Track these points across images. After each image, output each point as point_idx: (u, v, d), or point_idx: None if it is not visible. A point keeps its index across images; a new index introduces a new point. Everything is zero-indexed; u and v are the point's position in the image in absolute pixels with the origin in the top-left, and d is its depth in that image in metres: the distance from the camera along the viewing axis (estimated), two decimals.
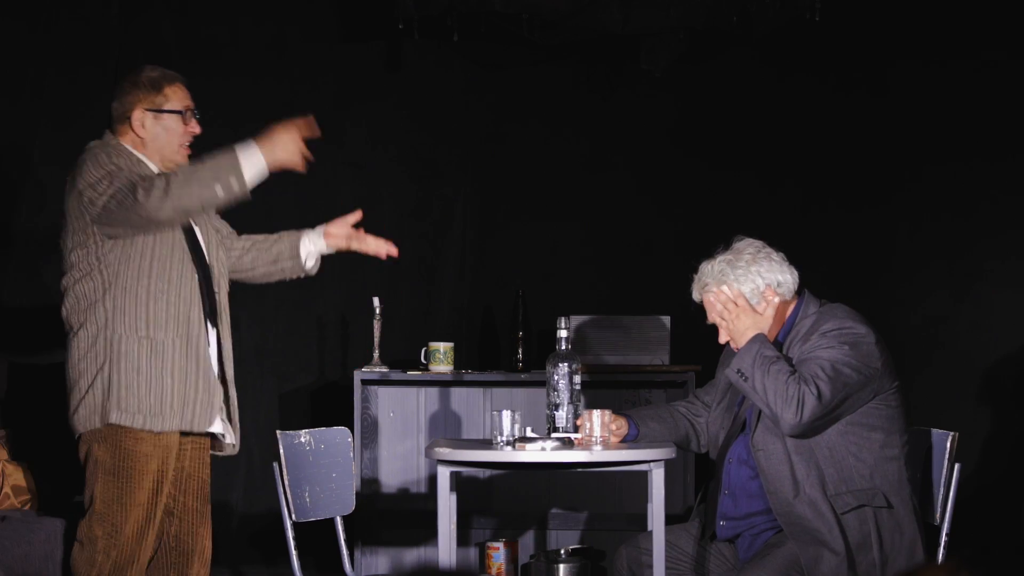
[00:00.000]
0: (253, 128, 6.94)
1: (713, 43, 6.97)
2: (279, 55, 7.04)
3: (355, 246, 4.85)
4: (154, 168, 4.59)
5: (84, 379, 4.44)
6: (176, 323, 4.47)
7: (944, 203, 6.87)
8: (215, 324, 4.60)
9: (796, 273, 4.56)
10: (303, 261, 4.82)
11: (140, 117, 4.58)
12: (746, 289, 4.51)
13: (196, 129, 4.69)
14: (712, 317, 4.58)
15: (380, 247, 4.84)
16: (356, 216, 4.82)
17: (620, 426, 4.71)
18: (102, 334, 4.42)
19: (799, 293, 4.59)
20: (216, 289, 4.65)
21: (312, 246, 4.83)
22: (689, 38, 6.78)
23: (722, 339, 4.58)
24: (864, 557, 4.34)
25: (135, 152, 4.57)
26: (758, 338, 4.43)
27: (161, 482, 4.48)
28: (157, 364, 4.42)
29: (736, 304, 4.51)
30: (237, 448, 4.68)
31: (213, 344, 4.59)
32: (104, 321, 4.42)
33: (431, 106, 7.18)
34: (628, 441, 4.72)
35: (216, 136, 6.90)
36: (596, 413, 4.59)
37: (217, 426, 4.58)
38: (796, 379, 4.32)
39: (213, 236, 4.75)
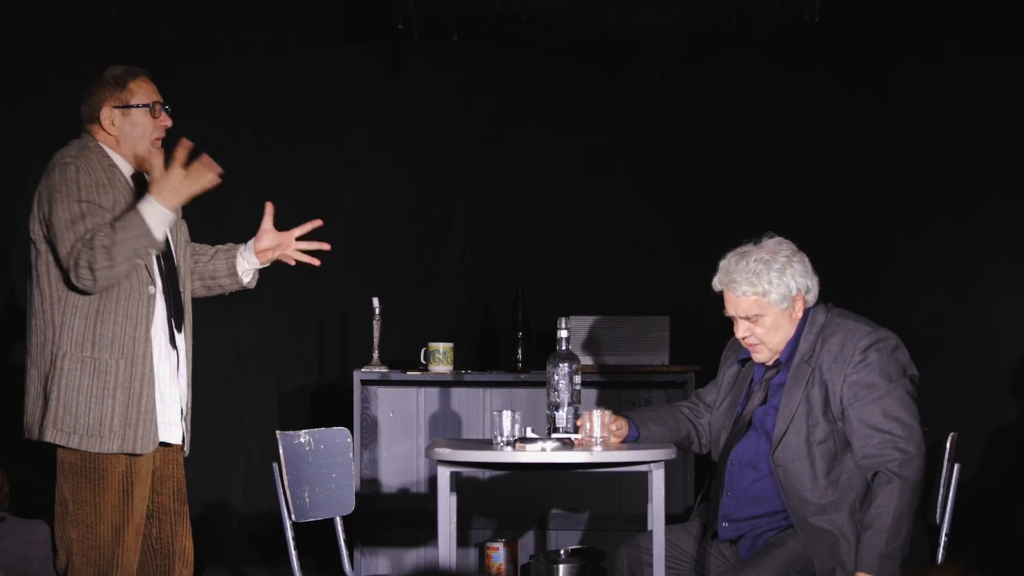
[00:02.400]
0: (252, 128, 7.00)
1: (713, 43, 6.97)
2: (279, 55, 7.04)
3: (287, 255, 4.77)
4: (127, 169, 4.57)
5: (33, 386, 4.41)
6: (120, 343, 4.39)
7: (944, 203, 6.87)
8: (180, 328, 4.54)
9: (817, 279, 4.54)
10: (240, 278, 4.76)
11: (108, 115, 4.57)
12: (778, 294, 4.46)
13: (167, 122, 4.64)
14: (730, 311, 4.54)
15: (312, 246, 4.79)
16: (269, 219, 4.77)
17: (620, 427, 4.70)
18: (49, 346, 4.38)
19: None
20: (182, 289, 4.60)
21: (247, 263, 4.76)
22: (689, 38, 6.78)
23: (741, 334, 4.55)
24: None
25: (108, 151, 4.55)
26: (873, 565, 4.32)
27: (132, 482, 4.39)
28: (99, 384, 4.35)
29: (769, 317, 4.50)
30: (187, 452, 4.58)
31: (180, 350, 4.53)
32: (52, 334, 4.38)
33: (431, 106, 7.18)
34: (628, 442, 4.72)
35: (216, 136, 6.94)
36: (596, 413, 4.58)
37: (171, 437, 4.49)
38: (877, 473, 4.32)
39: (181, 237, 4.72)
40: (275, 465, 4.73)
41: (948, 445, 4.50)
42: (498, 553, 6.39)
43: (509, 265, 7.17)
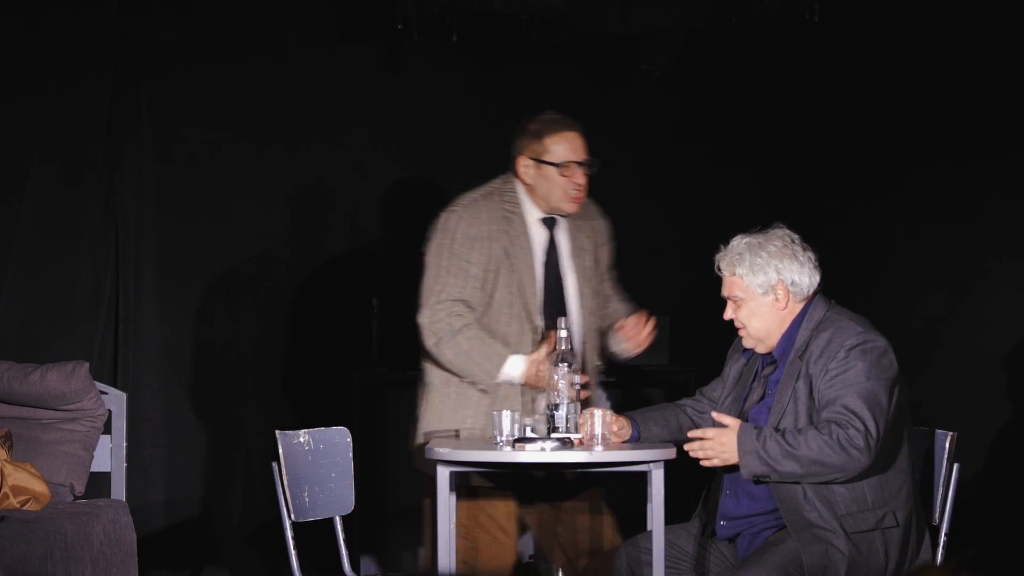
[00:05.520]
0: (252, 128, 6.99)
1: (713, 43, 6.97)
2: (278, 56, 7.04)
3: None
4: (536, 213, 4.81)
5: (417, 410, 4.85)
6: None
7: (943, 203, 6.87)
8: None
9: (818, 278, 4.53)
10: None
11: (524, 163, 4.80)
12: (758, 280, 4.49)
13: (579, 180, 4.81)
14: (724, 292, 4.58)
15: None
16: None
17: (623, 427, 4.70)
18: (425, 375, 4.78)
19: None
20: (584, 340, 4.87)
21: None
22: (689, 38, 6.78)
23: (727, 315, 4.57)
24: (868, 569, 4.33)
25: (521, 194, 4.81)
26: (742, 440, 4.35)
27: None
28: (459, 416, 4.75)
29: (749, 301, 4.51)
30: None
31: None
32: (427, 365, 4.77)
33: (431, 106, 7.18)
34: (630, 443, 4.72)
35: (216, 136, 6.95)
36: (597, 413, 4.59)
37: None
38: (831, 428, 4.30)
39: (587, 275, 4.96)
40: (275, 465, 4.73)
41: (948, 445, 4.50)
42: None
43: None
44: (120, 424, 5.73)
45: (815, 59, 7.03)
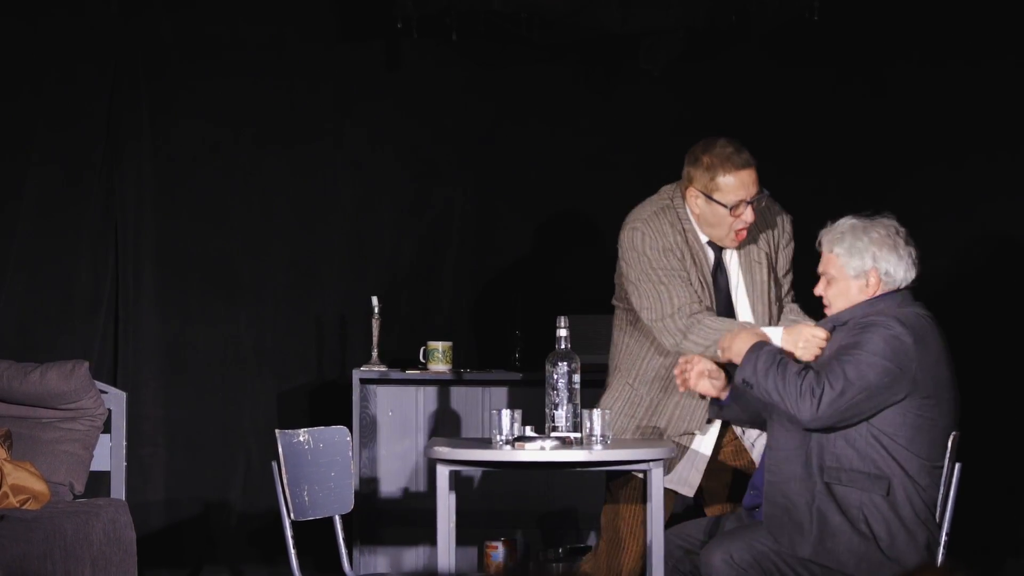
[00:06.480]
0: (252, 128, 6.99)
1: (712, 42, 6.97)
2: (278, 55, 7.04)
3: None
4: (704, 239, 4.78)
5: None
6: (662, 381, 4.80)
7: (943, 203, 6.87)
8: None
9: (913, 274, 4.50)
10: None
11: (694, 195, 4.75)
12: (853, 262, 4.48)
13: (748, 218, 4.73)
14: (820, 268, 4.58)
15: None
16: None
17: (720, 384, 4.71)
18: (611, 365, 4.94)
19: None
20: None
21: None
22: (688, 37, 6.78)
23: (817, 291, 4.58)
24: (840, 540, 4.35)
25: (691, 218, 4.78)
26: (755, 347, 4.45)
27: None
28: (629, 413, 4.82)
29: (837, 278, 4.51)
30: None
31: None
32: (614, 353, 4.91)
33: (430, 106, 7.18)
34: (716, 404, 4.75)
35: (216, 136, 6.95)
36: (597, 412, 4.59)
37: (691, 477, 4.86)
38: (809, 373, 4.34)
39: (760, 300, 4.87)
40: (274, 464, 4.73)
41: (948, 445, 4.50)
42: (497, 552, 6.39)
43: (508, 264, 7.17)
44: (120, 423, 5.73)
45: (815, 58, 7.02)
